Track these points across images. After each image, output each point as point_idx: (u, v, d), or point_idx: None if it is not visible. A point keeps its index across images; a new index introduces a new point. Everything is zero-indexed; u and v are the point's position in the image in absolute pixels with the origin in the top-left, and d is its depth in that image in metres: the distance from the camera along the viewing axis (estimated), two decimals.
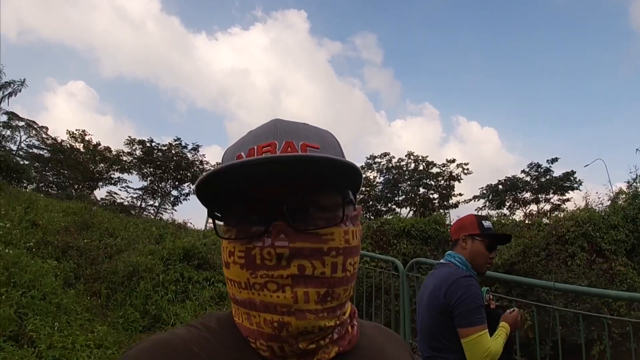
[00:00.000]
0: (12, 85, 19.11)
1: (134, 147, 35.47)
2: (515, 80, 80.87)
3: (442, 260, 3.12)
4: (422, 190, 38.75)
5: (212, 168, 0.75)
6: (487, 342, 2.65)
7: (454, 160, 37.68)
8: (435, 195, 38.58)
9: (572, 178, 33.12)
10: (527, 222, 14.89)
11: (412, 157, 38.57)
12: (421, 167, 38.22)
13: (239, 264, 0.77)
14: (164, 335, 0.82)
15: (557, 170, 34.15)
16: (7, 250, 8.34)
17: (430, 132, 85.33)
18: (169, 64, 78.87)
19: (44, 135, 35.40)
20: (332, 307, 0.77)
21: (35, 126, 34.93)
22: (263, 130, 0.85)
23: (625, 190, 16.46)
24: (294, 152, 0.80)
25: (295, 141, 0.82)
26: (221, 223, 0.85)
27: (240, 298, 0.79)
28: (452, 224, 3.32)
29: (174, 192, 37.99)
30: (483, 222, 3.05)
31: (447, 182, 37.98)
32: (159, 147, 35.50)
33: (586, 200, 16.81)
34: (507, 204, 35.70)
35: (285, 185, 0.75)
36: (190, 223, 21.20)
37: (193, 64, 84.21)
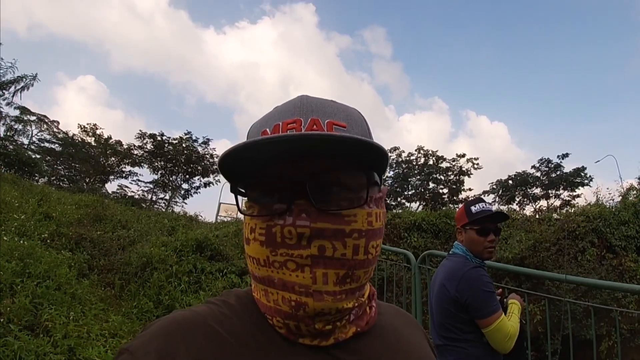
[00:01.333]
0: (24, 79, 19.13)
1: (145, 141, 35.38)
2: (524, 74, 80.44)
3: (450, 251, 3.19)
4: (431, 184, 38.30)
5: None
6: (507, 326, 2.73)
7: (464, 155, 37.24)
8: (445, 190, 38.18)
9: (582, 174, 32.62)
10: (537, 217, 14.81)
11: (421, 151, 38.12)
12: (431, 162, 37.76)
13: (259, 241, 0.78)
14: (184, 312, 0.83)
15: (568, 166, 33.72)
16: (21, 242, 8.42)
17: (439, 126, 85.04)
18: (178, 58, 79.14)
19: (55, 130, 35.26)
20: (351, 289, 0.78)
21: (47, 120, 34.78)
22: (288, 107, 0.84)
23: (636, 186, 16.40)
24: (320, 129, 0.79)
25: (321, 118, 0.81)
26: (244, 199, 0.86)
27: (259, 275, 0.80)
28: None
29: (185, 186, 37.86)
30: (472, 207, 3.09)
31: (457, 177, 37.51)
32: (170, 141, 35.38)
33: (597, 196, 16.74)
34: (517, 200, 35.35)
35: (308, 163, 0.75)
36: (201, 216, 21.29)
37: (202, 58, 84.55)
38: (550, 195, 34.29)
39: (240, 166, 0.76)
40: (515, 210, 27.49)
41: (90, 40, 72.76)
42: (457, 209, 3.35)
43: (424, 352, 0.95)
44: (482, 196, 34.74)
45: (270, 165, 0.75)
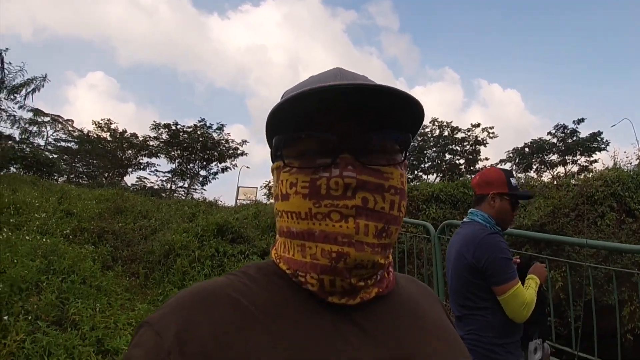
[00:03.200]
0: (35, 81, 19.17)
1: (159, 132, 35.67)
2: (536, 40, 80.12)
3: (465, 219, 3.14)
4: (447, 156, 37.93)
5: (283, 98, 0.78)
6: (523, 294, 2.71)
7: (478, 125, 36.77)
8: (462, 161, 37.75)
9: (599, 139, 32.14)
10: (555, 183, 14.63)
11: (436, 123, 37.74)
12: (446, 133, 37.36)
13: (301, 194, 0.78)
14: (204, 283, 0.83)
15: (584, 131, 33.18)
16: (44, 240, 8.55)
17: (451, 97, 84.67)
18: (185, 47, 79.51)
19: (70, 128, 35.81)
20: (384, 244, 0.79)
21: (61, 120, 35.27)
22: (327, 75, 0.87)
23: None
24: None
25: None
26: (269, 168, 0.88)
27: (297, 229, 0.80)
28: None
29: (202, 172, 38.27)
30: (511, 179, 3.06)
31: (473, 147, 37.08)
32: (184, 130, 35.64)
33: (614, 160, 16.55)
34: (534, 167, 35.02)
35: (353, 120, 0.78)
36: (221, 201, 21.40)
37: (208, 45, 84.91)
38: (567, 161, 33.87)
39: (285, 123, 0.80)
40: (532, 177, 27.25)
41: (96, 37, 73.19)
42: (488, 173, 3.24)
43: (440, 320, 0.96)
44: (499, 165, 34.48)
45: (314, 121, 0.78)
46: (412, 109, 0.78)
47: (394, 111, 0.78)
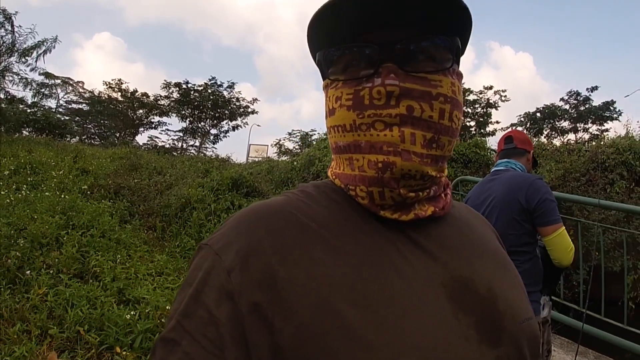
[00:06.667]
0: (45, 43, 19.00)
1: (170, 90, 35.71)
2: (550, 2, 78.11)
3: (500, 167, 3.17)
4: None
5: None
6: (568, 236, 2.80)
7: (491, 87, 35.76)
8: (472, 123, 37.48)
9: (612, 108, 31.65)
10: (567, 147, 14.50)
11: None
12: None
13: (345, 107, 0.78)
14: (262, 202, 0.83)
15: (597, 100, 32.88)
16: (63, 196, 8.77)
17: (462, 57, 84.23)
18: (192, 4, 78.61)
19: (80, 90, 36.22)
20: (435, 156, 0.78)
21: (71, 82, 35.63)
22: None
23: None
24: None
25: None
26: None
27: (343, 143, 0.81)
28: (515, 135, 3.28)
29: (213, 131, 38.44)
30: None
31: (484, 110, 36.40)
32: (195, 88, 35.70)
33: (627, 129, 16.42)
34: (545, 132, 34.72)
35: (395, 28, 0.75)
36: (232, 159, 21.63)
37: (216, 2, 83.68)
38: (579, 128, 33.60)
39: (325, 36, 0.80)
40: (543, 142, 27.29)
41: None
42: (525, 134, 3.32)
43: (496, 247, 0.96)
44: (510, 129, 34.25)
45: (357, 32, 0.77)
46: (457, 12, 0.77)
47: (439, 16, 0.76)
